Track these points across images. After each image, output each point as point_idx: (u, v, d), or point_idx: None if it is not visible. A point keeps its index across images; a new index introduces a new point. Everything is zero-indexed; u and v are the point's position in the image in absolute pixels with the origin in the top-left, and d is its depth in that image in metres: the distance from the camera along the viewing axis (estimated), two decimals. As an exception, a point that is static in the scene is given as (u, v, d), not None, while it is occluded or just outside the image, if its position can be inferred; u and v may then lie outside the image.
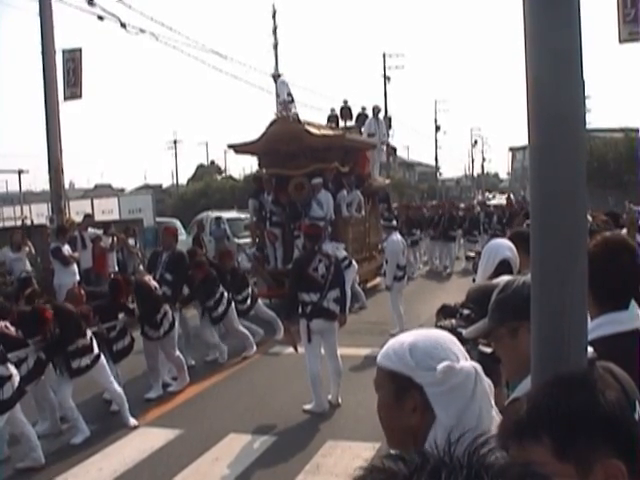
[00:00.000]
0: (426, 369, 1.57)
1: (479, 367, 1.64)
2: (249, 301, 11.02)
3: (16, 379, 6.17)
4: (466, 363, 1.61)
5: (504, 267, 3.99)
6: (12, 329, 6.64)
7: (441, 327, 2.56)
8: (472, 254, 8.72)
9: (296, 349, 7.84)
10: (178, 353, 8.95)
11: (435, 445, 0.92)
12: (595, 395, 1.20)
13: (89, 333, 7.31)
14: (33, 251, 14.60)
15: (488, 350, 2.17)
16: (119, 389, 7.59)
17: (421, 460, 0.87)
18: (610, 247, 2.25)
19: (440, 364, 1.56)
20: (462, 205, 28.42)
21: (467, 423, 1.48)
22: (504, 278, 2.38)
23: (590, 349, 1.51)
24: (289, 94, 16.03)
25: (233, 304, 10.27)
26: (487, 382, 1.66)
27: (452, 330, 2.50)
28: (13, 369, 6.23)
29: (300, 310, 7.75)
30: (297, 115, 15.42)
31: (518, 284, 2.05)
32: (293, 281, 8.00)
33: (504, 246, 4.38)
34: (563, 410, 1.18)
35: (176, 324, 8.97)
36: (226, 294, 10.10)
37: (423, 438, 1.52)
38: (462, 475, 0.84)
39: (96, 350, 7.28)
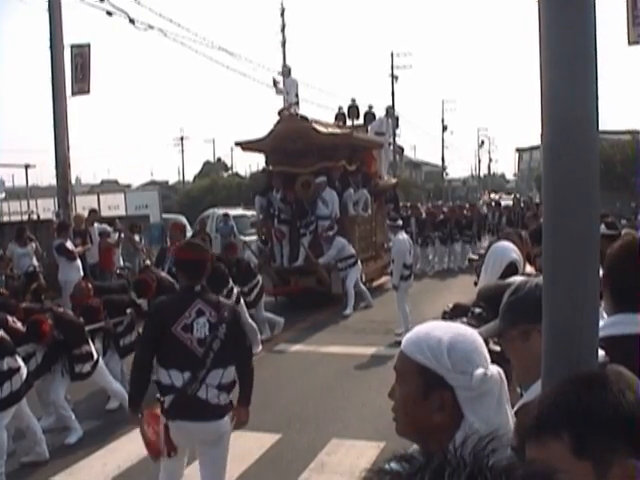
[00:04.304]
0: (461, 372, 1.55)
1: (502, 371, 1.63)
2: (255, 292, 11.01)
3: (24, 371, 6.20)
4: (493, 369, 1.61)
5: (511, 269, 4.02)
6: (19, 324, 6.66)
7: None
8: (475, 257, 8.66)
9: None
10: None
11: (460, 446, 0.92)
12: (616, 395, 1.20)
13: (90, 342, 7.33)
14: (39, 247, 14.61)
15: (498, 349, 2.17)
16: (119, 387, 7.61)
17: (425, 459, 0.88)
18: (631, 248, 2.23)
19: (476, 370, 1.55)
20: (467, 205, 28.37)
21: (494, 427, 1.45)
22: (516, 279, 2.37)
23: (602, 353, 1.51)
24: (296, 95, 16.09)
25: (242, 300, 10.26)
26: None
27: None
28: (21, 362, 6.26)
29: (159, 396, 4.45)
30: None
31: (531, 286, 2.02)
32: (143, 343, 4.75)
33: (509, 248, 4.43)
34: (584, 408, 1.19)
35: None
36: (235, 290, 10.08)
37: (449, 438, 1.50)
38: (465, 474, 0.85)
39: (95, 356, 7.30)
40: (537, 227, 5.48)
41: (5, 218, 24.58)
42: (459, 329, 1.70)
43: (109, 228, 15.46)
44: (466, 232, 21.72)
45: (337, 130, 16.25)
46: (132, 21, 16.46)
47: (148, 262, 12.82)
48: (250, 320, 10.47)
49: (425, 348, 1.58)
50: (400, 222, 12.50)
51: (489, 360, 1.65)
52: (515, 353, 2.06)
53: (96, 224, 15.27)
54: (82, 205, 18.84)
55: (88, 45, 16.37)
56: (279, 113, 16.10)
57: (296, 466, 6.15)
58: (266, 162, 16.13)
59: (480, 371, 1.56)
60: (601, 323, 1.93)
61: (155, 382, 4.43)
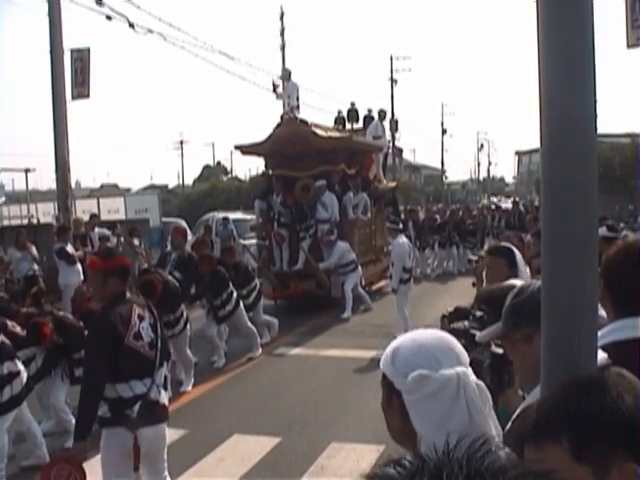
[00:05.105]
0: (403, 376, 1.57)
1: (465, 372, 1.58)
2: (253, 295, 11.01)
3: (24, 375, 6.20)
4: (447, 370, 1.56)
5: None
6: (19, 328, 6.66)
7: (454, 329, 2.55)
8: (474, 258, 8.64)
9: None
10: (188, 352, 8.98)
11: (434, 449, 0.92)
12: (614, 399, 1.20)
13: None
14: (35, 252, 14.58)
15: (500, 351, 2.17)
16: None
17: (420, 463, 0.88)
18: (630, 252, 2.22)
19: (414, 372, 1.55)
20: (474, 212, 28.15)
21: (451, 430, 1.28)
22: (517, 282, 2.37)
23: (604, 355, 1.50)
24: (297, 98, 16.10)
25: (241, 304, 10.25)
26: (475, 386, 1.59)
27: (465, 332, 2.49)
28: (21, 365, 6.26)
29: (114, 413, 4.35)
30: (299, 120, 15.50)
31: (533, 289, 2.01)
32: (101, 365, 4.23)
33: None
34: (583, 412, 1.19)
35: (188, 322, 9.02)
36: (235, 294, 10.07)
37: (416, 442, 1.52)
38: (462, 476, 0.85)
39: None
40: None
41: (5, 222, 24.58)
42: (418, 334, 1.69)
43: (107, 232, 15.46)
44: (469, 238, 21.61)
45: (336, 134, 16.24)
46: (132, 25, 16.47)
47: (146, 265, 12.80)
48: (249, 324, 10.47)
49: (385, 356, 1.66)
50: (400, 225, 12.50)
51: (459, 361, 1.61)
52: (518, 356, 2.06)
53: (96, 228, 15.29)
54: (82, 209, 18.87)
55: (88, 49, 16.37)
56: (282, 117, 16.12)
57: (296, 469, 6.15)
58: (265, 166, 16.13)
59: (415, 373, 1.54)
60: (603, 330, 1.93)
61: (115, 400, 4.28)
